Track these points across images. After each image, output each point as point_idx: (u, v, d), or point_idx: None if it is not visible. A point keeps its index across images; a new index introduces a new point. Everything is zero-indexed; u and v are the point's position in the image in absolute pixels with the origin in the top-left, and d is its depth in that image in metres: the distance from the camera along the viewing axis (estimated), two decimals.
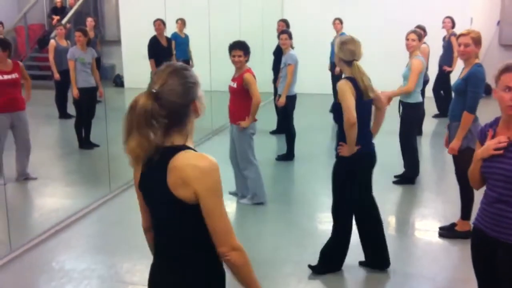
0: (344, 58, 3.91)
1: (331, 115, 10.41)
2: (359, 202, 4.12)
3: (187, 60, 10.90)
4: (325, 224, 4.92)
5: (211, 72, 9.27)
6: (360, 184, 4.08)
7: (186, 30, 11.01)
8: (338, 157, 4.01)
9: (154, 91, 1.92)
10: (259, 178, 5.58)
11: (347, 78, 3.90)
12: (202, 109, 2.04)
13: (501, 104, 2.58)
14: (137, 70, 11.55)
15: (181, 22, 10.93)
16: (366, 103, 3.95)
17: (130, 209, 4.88)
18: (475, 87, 4.44)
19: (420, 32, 6.17)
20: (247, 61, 5.40)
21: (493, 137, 2.65)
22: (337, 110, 3.98)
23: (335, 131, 9.25)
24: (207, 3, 10.32)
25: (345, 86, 3.83)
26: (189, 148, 1.98)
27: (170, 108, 1.93)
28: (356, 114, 3.79)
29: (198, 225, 1.94)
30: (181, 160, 1.91)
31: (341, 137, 3.98)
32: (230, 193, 5.77)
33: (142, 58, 9.41)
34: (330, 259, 4.19)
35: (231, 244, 1.94)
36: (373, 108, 4.10)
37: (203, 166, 1.90)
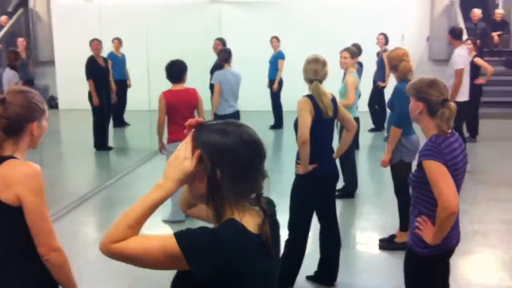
0: (306, 77, 3.97)
1: (271, 132, 10.61)
2: (321, 219, 4.16)
3: (124, 80, 10.75)
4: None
5: (149, 91, 9.16)
6: (320, 202, 4.10)
7: (123, 50, 10.88)
8: (296, 175, 4.03)
9: (1, 96, 2.12)
10: None
11: (308, 96, 3.93)
12: (38, 135, 2.21)
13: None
14: (72, 91, 11.29)
15: (118, 42, 10.80)
16: (327, 122, 3.97)
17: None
18: (398, 101, 4.59)
19: (353, 50, 6.33)
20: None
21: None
22: (297, 127, 3.98)
23: (276, 148, 9.43)
24: (145, 23, 10.23)
25: (303, 104, 3.87)
26: (15, 158, 2.13)
27: (11, 116, 2.11)
28: (313, 132, 3.82)
29: (24, 231, 2.06)
30: (5, 166, 2.08)
31: (299, 154, 3.99)
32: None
33: (78, 79, 9.20)
34: (283, 275, 4.16)
35: (51, 244, 2.09)
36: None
37: (26, 170, 2.08)
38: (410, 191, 2.94)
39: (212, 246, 1.43)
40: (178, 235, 1.45)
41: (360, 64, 8.29)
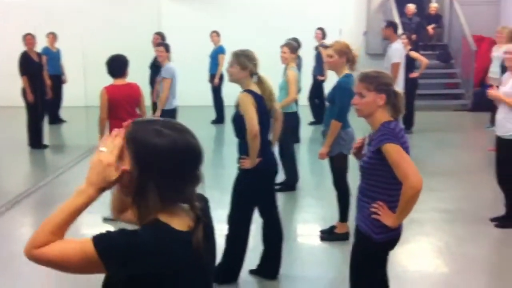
0: (251, 71, 3.95)
1: (212, 127, 10.58)
2: (265, 213, 4.17)
3: (59, 75, 10.43)
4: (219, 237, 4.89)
5: (86, 87, 8.93)
6: (264, 196, 4.11)
7: (58, 44, 10.54)
8: (241, 170, 4.00)
9: None
10: None
11: (247, 91, 3.91)
12: None
13: None
14: (5, 88, 10.85)
15: (52, 36, 10.46)
16: (265, 115, 3.99)
17: None
18: (341, 96, 4.65)
19: (293, 45, 6.39)
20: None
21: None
22: (238, 122, 3.95)
23: (217, 143, 9.41)
24: (81, 17, 9.97)
25: (247, 99, 3.85)
26: None
27: None
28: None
29: None
30: None
31: (242, 149, 3.97)
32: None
33: (11, 76, 8.85)
34: (226, 270, 4.15)
35: None
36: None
37: None
38: (359, 181, 2.98)
39: (129, 250, 1.40)
40: (95, 239, 1.42)
41: (299, 58, 8.38)
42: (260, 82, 3.99)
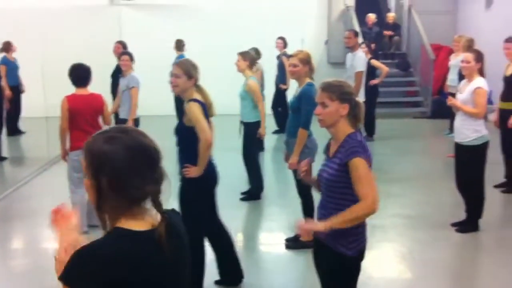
0: (196, 79, 3.94)
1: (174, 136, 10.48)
2: (210, 222, 4.13)
3: (17, 85, 10.20)
4: None
5: (45, 97, 8.74)
6: (208, 204, 4.10)
7: (15, 54, 10.31)
8: (184, 179, 3.97)
9: None
10: (84, 205, 5.31)
11: (194, 100, 3.89)
12: None
13: None
14: None
15: (9, 45, 10.21)
16: (209, 123, 3.99)
17: None
18: (307, 104, 4.70)
19: (246, 53, 6.34)
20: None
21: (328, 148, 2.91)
22: (183, 132, 3.93)
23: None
24: (39, 26, 9.77)
25: (196, 108, 3.83)
26: None
27: None
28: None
29: None
30: None
31: (186, 158, 3.93)
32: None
33: None
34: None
35: None
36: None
37: None
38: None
39: (87, 267, 1.45)
40: (62, 278, 1.47)
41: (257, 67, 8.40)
42: (200, 90, 3.97)
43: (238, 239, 5.38)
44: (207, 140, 3.80)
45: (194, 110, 3.83)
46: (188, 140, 3.87)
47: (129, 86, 6.77)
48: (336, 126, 2.78)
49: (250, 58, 6.33)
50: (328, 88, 2.78)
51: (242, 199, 6.40)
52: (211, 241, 4.23)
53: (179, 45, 10.46)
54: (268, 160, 8.59)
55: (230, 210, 6.09)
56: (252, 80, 6.18)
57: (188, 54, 10.49)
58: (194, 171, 3.88)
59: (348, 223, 2.66)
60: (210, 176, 4.00)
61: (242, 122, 6.33)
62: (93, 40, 11.73)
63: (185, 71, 3.88)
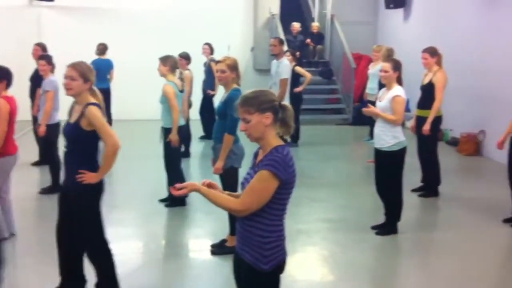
0: (92, 84, 3.85)
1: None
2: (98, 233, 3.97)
3: None
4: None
5: None
6: (99, 217, 3.96)
7: None
8: (78, 188, 3.75)
9: None
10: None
11: (95, 104, 3.78)
12: None
13: None
14: None
15: None
16: None
17: None
18: (233, 110, 4.70)
19: (164, 57, 6.25)
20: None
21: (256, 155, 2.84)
22: (78, 135, 3.77)
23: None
24: None
25: (98, 112, 3.74)
26: None
27: None
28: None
29: None
30: None
31: (78, 163, 3.77)
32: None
33: None
34: None
35: None
36: None
37: None
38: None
39: None
40: None
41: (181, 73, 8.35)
42: (94, 94, 3.88)
43: (164, 247, 5.31)
44: (115, 145, 3.73)
45: (97, 115, 3.72)
46: (83, 144, 3.77)
47: (45, 90, 6.53)
48: (265, 138, 2.67)
49: (171, 63, 6.25)
50: (244, 102, 2.67)
51: (167, 206, 6.32)
52: (95, 256, 4.00)
53: (101, 49, 10.22)
54: (194, 166, 8.54)
55: (154, 218, 6.03)
56: (168, 85, 6.09)
57: (113, 58, 10.31)
58: (92, 177, 3.74)
59: (215, 201, 2.73)
60: (100, 184, 3.86)
61: (163, 128, 6.25)
62: (11, 42, 11.25)
63: (81, 74, 3.77)
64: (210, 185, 2.89)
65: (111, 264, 4.02)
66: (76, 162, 3.79)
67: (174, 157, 6.28)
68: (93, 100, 3.81)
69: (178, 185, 2.73)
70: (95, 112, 3.72)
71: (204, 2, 12.57)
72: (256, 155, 2.84)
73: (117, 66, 10.27)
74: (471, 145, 9.34)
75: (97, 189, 3.85)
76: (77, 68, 3.78)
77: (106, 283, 4.01)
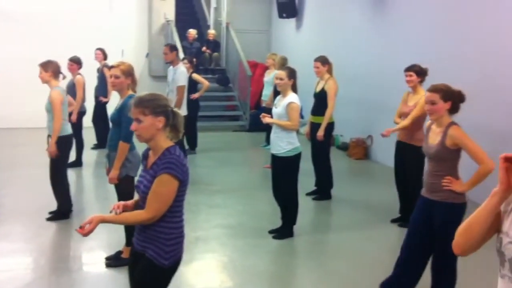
0: None
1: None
2: None
3: None
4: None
5: None
6: None
7: None
8: None
9: None
10: None
11: None
12: None
13: None
14: None
15: None
16: None
17: None
18: (128, 117, 4.58)
19: (46, 63, 5.96)
20: None
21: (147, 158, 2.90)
22: None
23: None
24: None
25: None
26: None
27: None
28: None
29: None
30: None
31: None
32: None
33: None
34: None
35: None
36: None
37: None
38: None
39: None
40: None
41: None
42: None
43: (54, 261, 5.04)
44: None
45: None
46: None
47: None
48: (155, 139, 2.79)
49: (53, 68, 5.93)
50: (140, 103, 2.76)
51: (49, 219, 5.98)
52: None
53: None
54: (87, 176, 8.23)
55: (43, 231, 5.71)
56: (55, 91, 5.80)
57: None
58: None
59: (124, 222, 2.91)
60: None
61: (49, 136, 5.92)
62: None
63: None
64: (125, 206, 2.90)
65: None
66: None
67: (60, 167, 5.95)
68: None
69: (82, 224, 2.71)
70: None
71: (96, 4, 12.19)
72: (145, 156, 2.92)
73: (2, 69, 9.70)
74: (360, 150, 9.82)
75: None
76: None
77: None
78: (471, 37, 7.25)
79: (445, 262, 3.90)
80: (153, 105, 2.76)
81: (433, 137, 3.86)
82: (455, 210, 3.78)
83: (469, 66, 7.21)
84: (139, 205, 2.86)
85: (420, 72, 5.85)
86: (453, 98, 3.80)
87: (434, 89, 3.81)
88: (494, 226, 1.91)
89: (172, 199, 2.74)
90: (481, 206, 1.87)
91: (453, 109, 3.82)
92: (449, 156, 3.77)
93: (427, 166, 3.96)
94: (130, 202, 2.95)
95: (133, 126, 2.79)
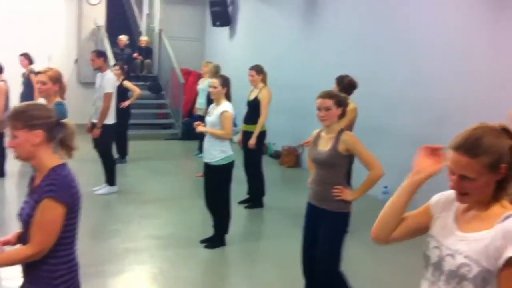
0: None
1: None
2: None
3: None
4: None
5: None
6: None
7: None
8: None
9: None
10: None
11: None
12: None
13: None
14: None
15: None
16: None
17: None
18: None
19: None
20: None
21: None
22: None
23: None
24: None
25: None
26: None
27: None
28: None
29: None
30: None
31: None
32: None
33: None
34: None
35: None
36: None
37: None
38: None
39: None
40: None
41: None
42: None
43: None
44: None
45: None
46: None
47: None
48: (36, 157, 2.36)
49: None
50: (13, 116, 2.35)
51: None
52: None
53: None
54: (11, 187, 7.86)
55: None
56: None
57: None
58: None
59: (5, 264, 2.35)
60: None
61: None
62: None
63: None
64: (6, 242, 2.47)
65: None
66: None
67: None
68: None
69: None
70: None
71: (19, 5, 11.73)
72: (33, 178, 2.47)
73: None
74: (292, 158, 9.95)
75: None
76: None
77: None
78: (396, 46, 7.53)
79: (326, 267, 3.76)
80: (27, 116, 2.33)
81: (323, 144, 3.85)
82: (343, 219, 3.81)
83: (393, 73, 7.47)
84: (23, 238, 2.39)
85: (342, 84, 6.08)
86: (344, 105, 3.86)
87: (328, 95, 3.85)
88: (422, 225, 2.01)
89: (60, 227, 2.30)
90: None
91: (342, 115, 3.87)
92: (339, 162, 3.76)
93: (315, 174, 3.94)
94: (10, 236, 2.50)
95: (9, 143, 2.36)
